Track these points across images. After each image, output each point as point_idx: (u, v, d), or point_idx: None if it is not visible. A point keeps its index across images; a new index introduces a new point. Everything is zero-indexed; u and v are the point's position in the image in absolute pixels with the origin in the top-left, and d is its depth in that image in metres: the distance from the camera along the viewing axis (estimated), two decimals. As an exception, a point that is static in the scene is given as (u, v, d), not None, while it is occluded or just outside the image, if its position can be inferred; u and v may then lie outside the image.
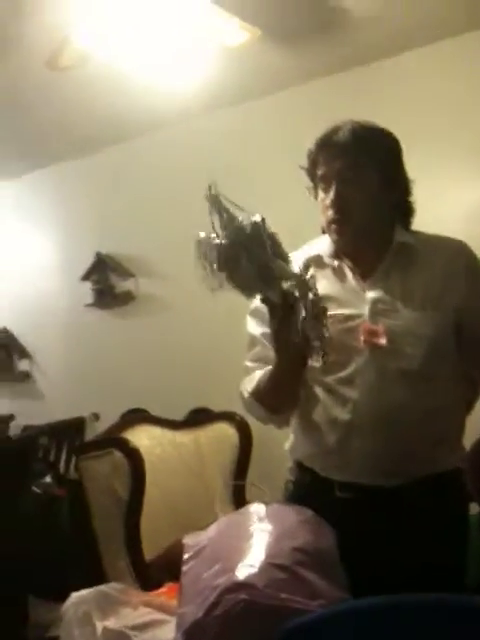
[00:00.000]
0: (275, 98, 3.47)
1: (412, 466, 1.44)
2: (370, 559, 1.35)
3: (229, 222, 1.30)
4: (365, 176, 1.47)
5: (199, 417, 3.01)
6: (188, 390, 3.45)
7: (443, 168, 3.05)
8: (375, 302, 1.47)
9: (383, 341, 1.43)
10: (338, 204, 1.46)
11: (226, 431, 2.87)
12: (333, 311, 1.46)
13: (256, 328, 1.57)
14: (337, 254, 1.54)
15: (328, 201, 1.47)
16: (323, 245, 1.57)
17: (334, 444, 1.45)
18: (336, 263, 1.53)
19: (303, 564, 1.09)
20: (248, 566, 1.08)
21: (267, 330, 1.49)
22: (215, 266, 1.31)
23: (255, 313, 1.57)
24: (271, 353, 1.48)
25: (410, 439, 1.43)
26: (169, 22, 2.48)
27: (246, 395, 1.54)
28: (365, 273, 1.51)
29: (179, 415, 3.06)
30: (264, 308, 1.43)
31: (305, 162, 1.54)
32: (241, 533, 1.16)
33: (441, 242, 1.55)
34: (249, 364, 1.58)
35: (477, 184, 3.09)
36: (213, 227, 1.32)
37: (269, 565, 1.07)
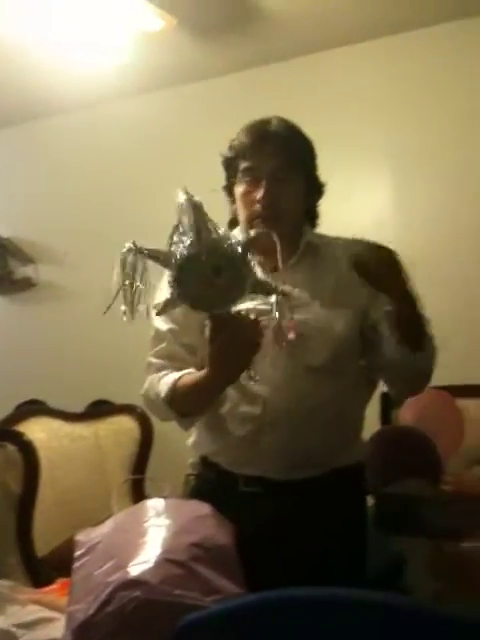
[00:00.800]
0: (188, 89, 3.45)
1: (318, 460, 1.46)
2: (272, 552, 1.36)
3: (207, 234, 1.21)
4: (295, 177, 1.50)
5: (99, 410, 2.95)
6: (88, 382, 3.38)
7: (353, 169, 3.12)
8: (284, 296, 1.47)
9: (292, 336, 1.42)
10: (269, 201, 1.46)
11: (126, 424, 2.82)
12: (243, 305, 1.46)
13: (163, 324, 1.53)
14: (255, 251, 1.52)
15: (258, 196, 1.46)
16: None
17: (243, 439, 1.45)
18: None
19: (200, 560, 1.07)
20: (142, 562, 1.05)
21: (175, 326, 1.49)
22: (172, 278, 1.23)
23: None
24: (179, 350, 1.48)
25: (318, 434, 1.45)
26: (84, 3, 2.42)
27: (156, 398, 1.47)
28: (274, 269, 1.51)
29: (78, 408, 2.97)
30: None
31: (226, 151, 1.52)
32: (136, 529, 1.13)
33: (347, 244, 1.56)
34: (154, 360, 1.54)
35: (387, 186, 3.18)
36: (174, 237, 1.24)
37: (164, 561, 1.05)
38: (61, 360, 3.65)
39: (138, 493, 2.57)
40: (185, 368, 1.46)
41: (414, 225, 3.07)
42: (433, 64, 3.07)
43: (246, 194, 1.49)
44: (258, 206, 1.46)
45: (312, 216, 1.61)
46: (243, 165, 1.49)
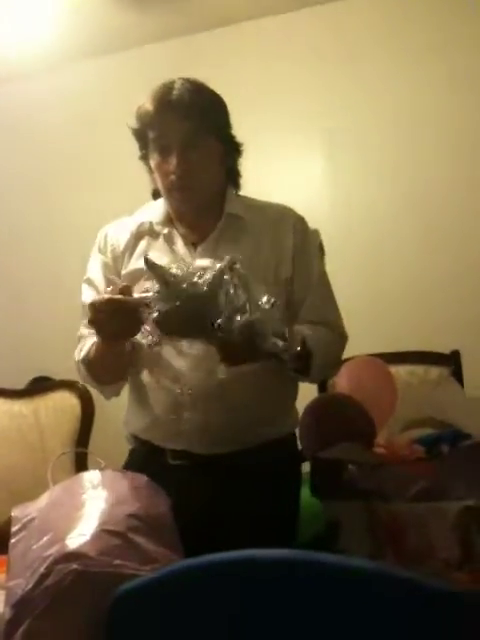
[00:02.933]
0: (117, 58, 3.38)
1: (245, 435, 1.48)
2: (205, 521, 1.39)
3: (175, 285, 1.19)
4: (208, 141, 1.45)
5: (38, 386, 2.91)
6: (28, 359, 3.33)
7: (286, 142, 3.13)
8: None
9: None
10: (183, 170, 1.42)
11: (68, 400, 2.78)
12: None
13: (89, 296, 1.53)
14: (168, 220, 1.52)
15: (171, 166, 1.42)
16: (154, 211, 1.55)
17: (166, 415, 1.46)
18: (166, 230, 1.51)
19: (137, 530, 1.09)
20: (80, 535, 1.06)
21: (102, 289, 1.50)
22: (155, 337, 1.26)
23: (89, 282, 1.55)
24: None
25: (241, 409, 1.46)
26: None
27: (76, 361, 1.53)
28: (196, 242, 1.50)
29: (19, 385, 2.94)
30: (96, 280, 1.51)
31: (135, 121, 1.49)
32: (73, 502, 1.13)
33: (270, 211, 1.57)
34: (84, 331, 1.56)
35: (320, 159, 3.20)
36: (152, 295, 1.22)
37: (102, 532, 1.06)
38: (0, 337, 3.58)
39: (80, 470, 2.56)
40: None
41: (343, 199, 3.11)
42: (369, 33, 3.09)
43: (160, 165, 1.46)
44: (173, 177, 1.43)
45: (234, 176, 1.57)
46: (152, 134, 1.45)
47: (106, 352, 1.44)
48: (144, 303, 1.22)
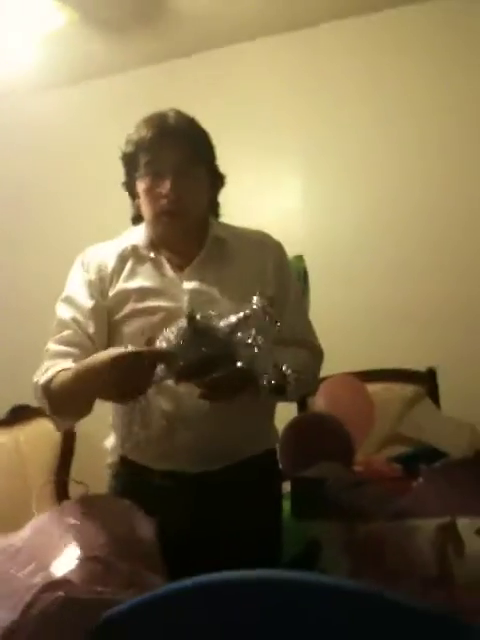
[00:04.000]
0: (93, 85, 3.43)
1: (231, 452, 1.51)
2: (186, 543, 1.40)
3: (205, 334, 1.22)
4: (198, 170, 1.51)
5: (18, 415, 2.90)
6: (6, 388, 3.31)
7: (262, 164, 3.18)
8: (193, 293, 1.50)
9: None
10: (176, 195, 1.46)
11: (47, 428, 2.77)
12: (152, 303, 1.49)
13: (67, 312, 1.52)
14: (152, 245, 1.55)
15: (163, 191, 1.46)
16: (137, 235, 1.57)
17: (156, 435, 1.48)
18: (152, 254, 1.54)
19: (121, 555, 1.10)
20: (64, 562, 1.07)
21: (79, 316, 1.50)
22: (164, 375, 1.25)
23: (68, 300, 1.54)
24: (83, 339, 1.47)
25: (231, 427, 1.49)
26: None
27: (38, 382, 1.41)
28: (182, 265, 1.54)
29: (-2, 414, 2.92)
30: (79, 297, 1.49)
31: (124, 146, 1.52)
32: (56, 530, 1.15)
33: (250, 236, 1.64)
34: (54, 346, 1.49)
35: (295, 181, 3.25)
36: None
37: (86, 559, 1.07)
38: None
39: (62, 497, 2.55)
40: (85, 355, 1.42)
41: (321, 221, 3.17)
42: (341, 58, 3.16)
43: (150, 189, 1.49)
44: (164, 201, 1.47)
45: (214, 207, 1.63)
46: (145, 159, 1.48)
47: (89, 394, 1.35)
48: (169, 354, 1.22)
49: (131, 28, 3.01)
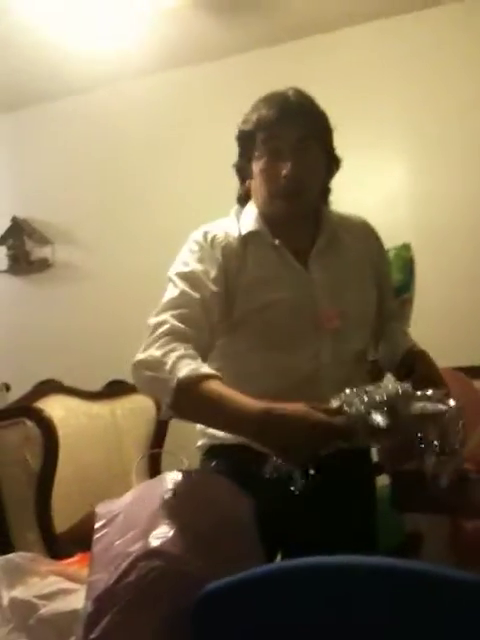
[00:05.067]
0: (202, 68, 3.43)
1: None
2: (290, 527, 1.37)
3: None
4: (317, 150, 1.46)
5: (115, 389, 2.97)
6: (105, 362, 3.39)
7: (367, 149, 3.10)
8: (321, 283, 1.47)
9: (337, 323, 1.44)
10: (295, 175, 1.41)
11: (143, 403, 2.84)
12: (280, 294, 1.44)
13: (194, 291, 1.39)
14: (273, 232, 1.49)
15: (282, 170, 1.41)
16: (251, 219, 1.51)
17: None
18: (277, 241, 1.48)
19: (220, 532, 1.09)
20: (164, 533, 1.06)
21: (206, 297, 1.38)
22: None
23: (194, 278, 1.41)
24: (205, 324, 1.36)
25: None
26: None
27: (165, 374, 1.25)
28: (299, 253, 1.49)
29: (95, 387, 3.00)
30: (206, 277, 1.40)
31: (241, 125, 1.48)
32: (156, 501, 1.14)
33: (354, 222, 1.61)
34: (175, 323, 1.33)
35: (400, 166, 3.15)
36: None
37: (186, 532, 1.06)
38: (77, 341, 3.67)
39: (155, 471, 2.60)
40: (205, 342, 1.37)
41: (428, 210, 3.05)
42: (447, 44, 3.03)
43: (268, 169, 1.44)
44: (283, 181, 1.41)
45: (326, 192, 1.57)
46: (264, 136, 1.43)
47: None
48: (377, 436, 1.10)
49: (241, 10, 2.99)
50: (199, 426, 1.56)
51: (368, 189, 3.09)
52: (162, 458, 2.70)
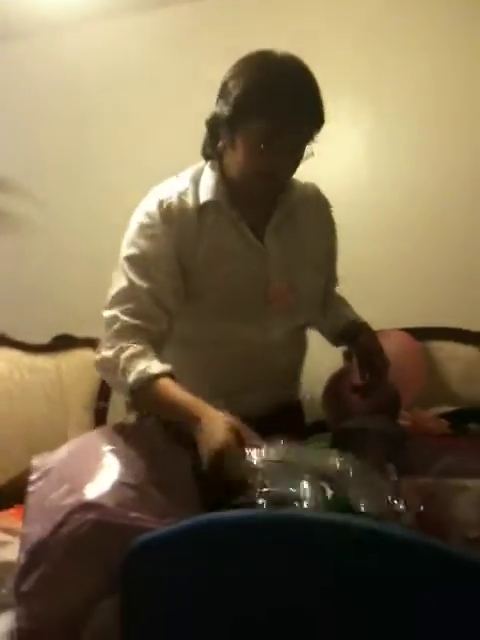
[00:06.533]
0: (157, 13, 3.30)
1: (281, 399, 1.58)
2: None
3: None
4: (307, 145, 1.39)
5: (61, 343, 2.91)
6: (51, 316, 3.33)
7: (330, 111, 3.04)
8: (276, 260, 1.47)
9: (290, 300, 1.48)
10: (290, 172, 1.40)
11: (89, 357, 2.79)
12: (234, 267, 1.43)
13: (138, 279, 1.35)
14: (233, 202, 1.44)
15: (276, 161, 1.34)
16: (210, 186, 1.44)
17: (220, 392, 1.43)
18: (235, 213, 1.44)
19: (154, 484, 1.08)
20: (98, 486, 1.05)
21: (153, 285, 1.36)
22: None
23: (141, 263, 1.37)
24: (157, 311, 1.34)
25: (285, 377, 1.61)
26: None
27: (121, 377, 1.27)
28: (255, 226, 1.47)
29: (42, 341, 2.94)
30: (156, 261, 1.36)
31: (241, 94, 1.32)
32: (92, 454, 1.13)
33: (306, 190, 1.58)
34: (125, 319, 1.33)
35: (363, 131, 3.10)
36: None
37: (119, 484, 1.05)
38: (24, 294, 3.58)
39: (100, 425, 2.57)
40: (158, 331, 1.35)
41: (384, 173, 3.03)
42: (399, 14, 2.97)
43: (258, 152, 1.33)
44: (271, 168, 1.35)
45: None
46: (267, 129, 1.31)
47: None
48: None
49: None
50: None
51: (329, 156, 3.04)
52: (108, 415, 2.68)
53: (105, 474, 1.08)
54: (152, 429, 1.25)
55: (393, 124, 2.97)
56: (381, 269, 2.72)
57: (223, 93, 1.37)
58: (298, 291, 1.48)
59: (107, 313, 1.36)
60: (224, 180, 1.44)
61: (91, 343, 2.82)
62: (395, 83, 2.91)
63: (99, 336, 2.84)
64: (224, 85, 1.37)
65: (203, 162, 1.50)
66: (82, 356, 2.81)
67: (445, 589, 0.72)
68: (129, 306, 1.34)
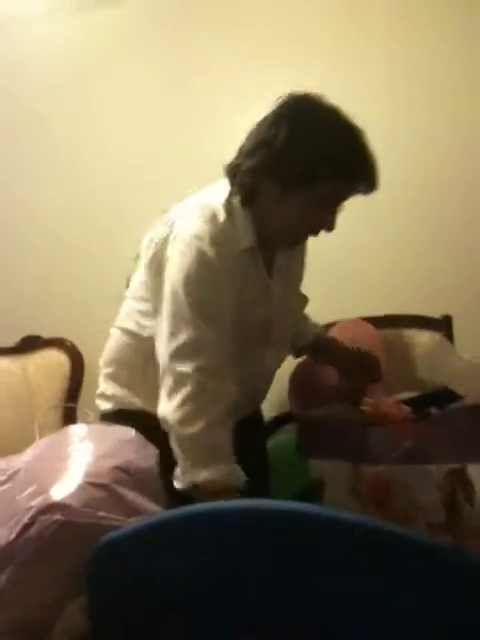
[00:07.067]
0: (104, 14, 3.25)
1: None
2: None
3: None
4: None
5: (27, 344, 2.89)
6: (17, 317, 3.29)
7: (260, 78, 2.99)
8: (278, 300, 1.54)
9: (286, 335, 1.63)
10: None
11: (56, 358, 2.78)
12: (250, 310, 1.47)
13: (210, 330, 1.33)
14: (259, 246, 1.46)
15: (328, 219, 1.41)
16: (248, 233, 1.42)
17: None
18: (261, 259, 1.48)
19: (122, 482, 1.08)
20: (64, 486, 1.05)
21: (220, 335, 1.36)
22: None
23: (209, 315, 1.35)
24: (222, 363, 1.34)
25: (264, 395, 1.71)
26: None
27: (200, 472, 1.32)
28: (265, 267, 1.52)
29: (8, 343, 2.91)
30: (217, 310, 1.36)
31: (327, 148, 1.34)
32: (58, 454, 1.13)
33: None
34: (203, 379, 1.30)
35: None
36: None
37: (87, 484, 1.05)
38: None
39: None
40: (228, 394, 1.36)
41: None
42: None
43: (316, 212, 1.39)
44: (319, 229, 1.43)
45: None
46: (336, 190, 1.36)
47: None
48: None
49: None
50: (100, 389, 1.57)
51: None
52: (77, 415, 2.66)
53: (72, 474, 1.09)
54: (119, 427, 1.26)
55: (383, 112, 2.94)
56: (339, 259, 2.74)
57: (272, 146, 1.32)
58: (289, 322, 1.59)
59: (177, 366, 1.31)
60: (256, 224, 1.42)
61: (58, 343, 2.80)
62: (389, 70, 2.90)
63: (64, 335, 2.82)
64: (273, 137, 1.32)
65: (227, 186, 1.44)
66: (49, 357, 2.80)
67: (406, 575, 0.75)
68: (204, 363, 1.31)
